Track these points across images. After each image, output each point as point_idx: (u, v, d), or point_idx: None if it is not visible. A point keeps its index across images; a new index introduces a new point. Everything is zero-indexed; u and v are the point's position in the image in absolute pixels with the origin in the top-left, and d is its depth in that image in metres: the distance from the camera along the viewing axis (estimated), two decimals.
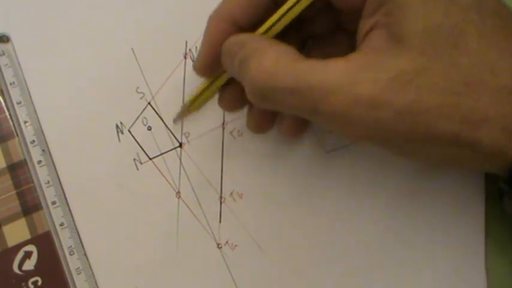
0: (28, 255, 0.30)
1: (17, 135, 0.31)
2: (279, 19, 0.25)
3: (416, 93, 0.21)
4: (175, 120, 0.31)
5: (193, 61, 0.32)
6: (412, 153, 0.24)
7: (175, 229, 0.31)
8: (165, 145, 0.31)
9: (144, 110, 0.32)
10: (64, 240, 0.30)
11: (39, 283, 0.30)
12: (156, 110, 0.32)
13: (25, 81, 0.32)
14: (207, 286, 0.30)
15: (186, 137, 0.31)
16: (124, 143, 0.31)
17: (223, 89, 0.28)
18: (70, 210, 0.31)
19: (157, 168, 0.31)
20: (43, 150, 0.31)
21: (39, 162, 0.31)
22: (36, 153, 0.31)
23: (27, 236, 0.30)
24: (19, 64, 0.32)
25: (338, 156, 0.31)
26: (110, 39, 0.32)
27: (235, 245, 0.30)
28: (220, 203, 0.31)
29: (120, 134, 0.31)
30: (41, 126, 0.31)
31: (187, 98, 0.29)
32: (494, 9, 0.23)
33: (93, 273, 0.30)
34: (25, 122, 0.31)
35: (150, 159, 0.31)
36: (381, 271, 0.30)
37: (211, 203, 0.31)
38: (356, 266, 0.30)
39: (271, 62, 0.23)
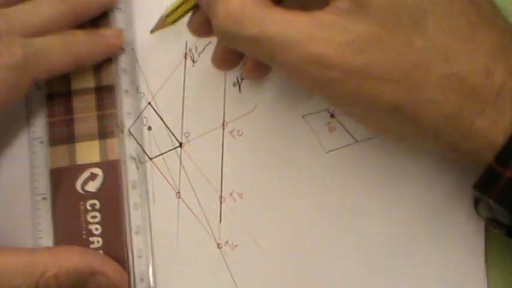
0: (93, 177, 0.30)
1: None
2: None
3: (364, 61, 0.22)
4: (152, 31, 0.31)
5: (193, 61, 0.32)
6: (357, 114, 0.26)
7: (176, 229, 0.31)
8: (165, 145, 0.31)
9: (144, 110, 0.32)
10: (131, 173, 0.31)
11: (97, 207, 0.30)
12: (156, 110, 0.32)
13: None
14: (207, 286, 0.30)
15: (186, 137, 0.31)
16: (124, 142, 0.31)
17: (195, 10, 0.28)
18: (142, 144, 0.31)
19: (157, 168, 0.31)
20: (132, 81, 0.31)
21: (126, 91, 0.31)
22: (125, 82, 0.31)
23: (97, 159, 0.30)
24: None
25: (338, 156, 0.31)
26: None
27: (235, 245, 0.30)
28: (220, 203, 0.31)
29: (120, 133, 0.31)
30: (136, 56, 0.32)
31: (164, 11, 0.29)
32: None
33: (149, 213, 0.30)
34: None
35: (150, 159, 0.31)
36: (381, 270, 0.30)
37: (211, 203, 0.31)
38: (356, 266, 0.30)
39: (237, 7, 0.23)
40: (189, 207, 0.31)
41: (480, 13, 0.23)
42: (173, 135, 0.32)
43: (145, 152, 0.31)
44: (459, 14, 0.23)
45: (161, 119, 0.32)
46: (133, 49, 0.32)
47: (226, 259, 0.30)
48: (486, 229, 0.30)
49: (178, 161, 0.31)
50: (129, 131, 0.31)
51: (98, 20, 0.32)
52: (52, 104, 0.31)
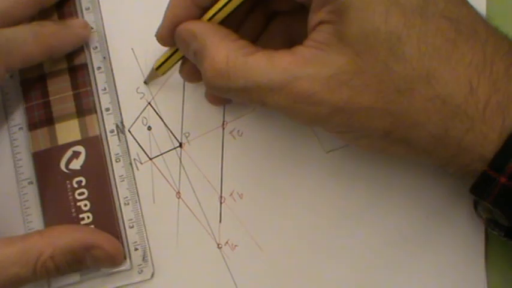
0: (76, 155, 0.31)
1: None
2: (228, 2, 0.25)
3: (349, 94, 0.23)
4: (146, 82, 0.32)
5: None
6: (351, 139, 0.26)
7: (176, 229, 0.31)
8: (165, 145, 0.31)
9: (144, 110, 0.32)
10: (112, 146, 0.31)
11: (83, 183, 0.30)
12: (156, 110, 0.32)
13: None
14: (207, 286, 0.30)
15: (186, 137, 0.31)
16: (124, 142, 0.31)
17: (184, 60, 0.29)
18: (122, 117, 0.31)
19: (157, 168, 0.31)
20: (104, 58, 0.32)
21: (99, 68, 0.32)
22: (97, 60, 0.32)
23: (78, 137, 0.31)
24: None
25: (338, 156, 0.31)
26: (110, 39, 0.32)
27: (235, 245, 0.30)
28: (220, 203, 0.31)
29: (120, 133, 0.31)
30: (105, 35, 0.32)
31: (155, 63, 0.30)
32: (443, 11, 0.23)
33: (135, 183, 0.31)
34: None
35: (150, 159, 0.31)
36: (380, 270, 0.30)
37: (211, 203, 0.31)
38: (356, 266, 0.30)
39: (221, 62, 0.24)
40: (189, 207, 0.31)
41: (457, 27, 0.23)
42: (173, 135, 0.32)
43: (145, 152, 0.31)
44: (435, 33, 0.22)
45: (161, 119, 0.32)
46: (103, 27, 0.32)
47: (226, 259, 0.30)
48: (486, 230, 0.30)
49: (178, 161, 0.31)
50: (129, 131, 0.31)
51: (64, 4, 0.32)
52: (27, 90, 0.31)
